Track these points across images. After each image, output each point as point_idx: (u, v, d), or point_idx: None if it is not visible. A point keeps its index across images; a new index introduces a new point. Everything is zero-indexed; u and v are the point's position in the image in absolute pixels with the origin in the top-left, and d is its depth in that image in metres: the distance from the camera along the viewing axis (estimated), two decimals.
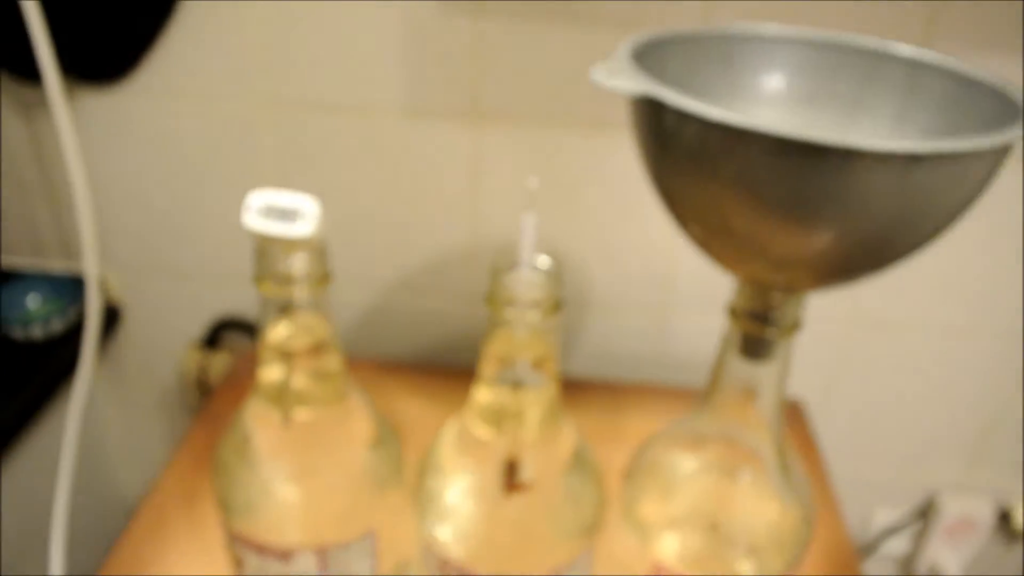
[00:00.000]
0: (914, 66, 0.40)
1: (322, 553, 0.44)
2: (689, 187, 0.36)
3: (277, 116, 0.73)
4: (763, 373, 0.42)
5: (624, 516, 0.48)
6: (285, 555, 0.44)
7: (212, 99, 0.72)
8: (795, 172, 0.31)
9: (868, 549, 0.98)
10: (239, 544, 0.45)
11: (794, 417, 0.80)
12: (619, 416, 0.76)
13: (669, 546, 0.45)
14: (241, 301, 0.84)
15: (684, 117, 0.32)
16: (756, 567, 0.44)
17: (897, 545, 0.99)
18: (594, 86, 0.32)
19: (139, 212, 0.79)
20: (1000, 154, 0.32)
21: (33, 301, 0.78)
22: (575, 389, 0.80)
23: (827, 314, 0.81)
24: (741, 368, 0.43)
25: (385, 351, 0.86)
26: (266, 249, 0.40)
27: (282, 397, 0.43)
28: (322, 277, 0.41)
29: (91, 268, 0.72)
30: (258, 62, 0.70)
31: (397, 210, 0.77)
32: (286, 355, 0.42)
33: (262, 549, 0.44)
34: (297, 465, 0.44)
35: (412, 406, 0.74)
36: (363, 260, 0.80)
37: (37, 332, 0.76)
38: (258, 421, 0.44)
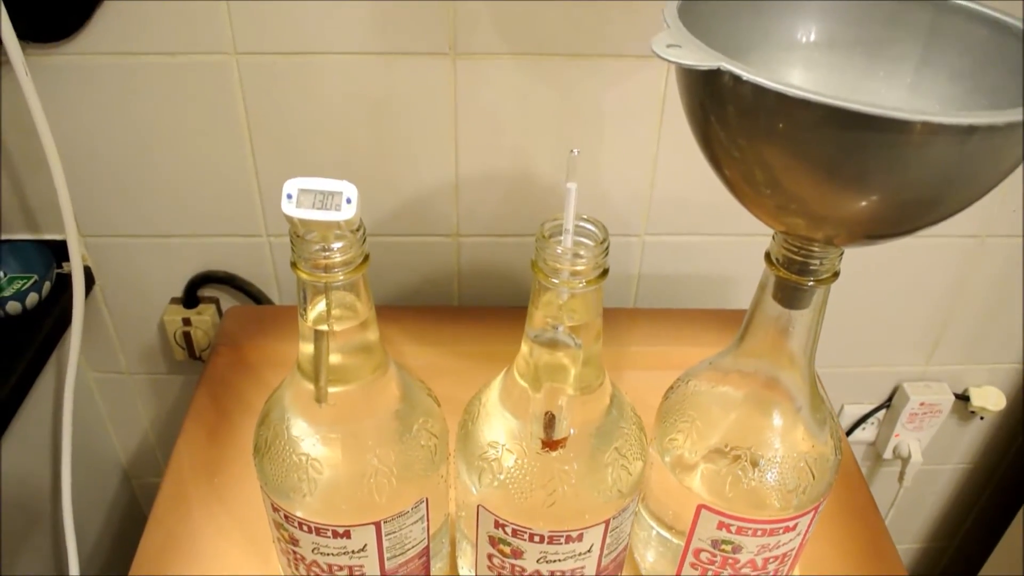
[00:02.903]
0: (939, 7, 0.41)
1: (379, 525, 0.45)
2: (740, 150, 0.36)
3: (243, 65, 0.69)
4: (797, 316, 0.44)
5: (661, 454, 0.50)
6: (344, 533, 0.44)
7: (171, 51, 0.68)
8: (854, 142, 0.32)
9: None
10: (292, 526, 0.45)
11: None
12: (611, 343, 0.77)
13: (709, 481, 0.47)
14: (215, 255, 0.82)
15: (743, 88, 0.32)
16: (795, 496, 0.46)
17: (864, 434, 1.04)
18: (658, 59, 0.32)
19: (101, 174, 0.75)
20: None
21: (5, 277, 0.74)
22: None
23: None
24: (776, 309, 0.44)
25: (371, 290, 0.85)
26: (304, 235, 0.39)
27: (324, 376, 0.43)
28: (361, 259, 0.40)
29: (72, 235, 0.69)
30: (217, 10, 0.66)
31: (376, 152, 0.75)
32: (327, 335, 0.42)
33: (319, 530, 0.44)
34: (349, 445, 0.44)
35: (419, 353, 0.74)
36: None
37: (14, 308, 0.73)
38: (302, 403, 0.44)
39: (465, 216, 0.80)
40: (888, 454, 1.04)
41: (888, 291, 0.91)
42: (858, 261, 0.87)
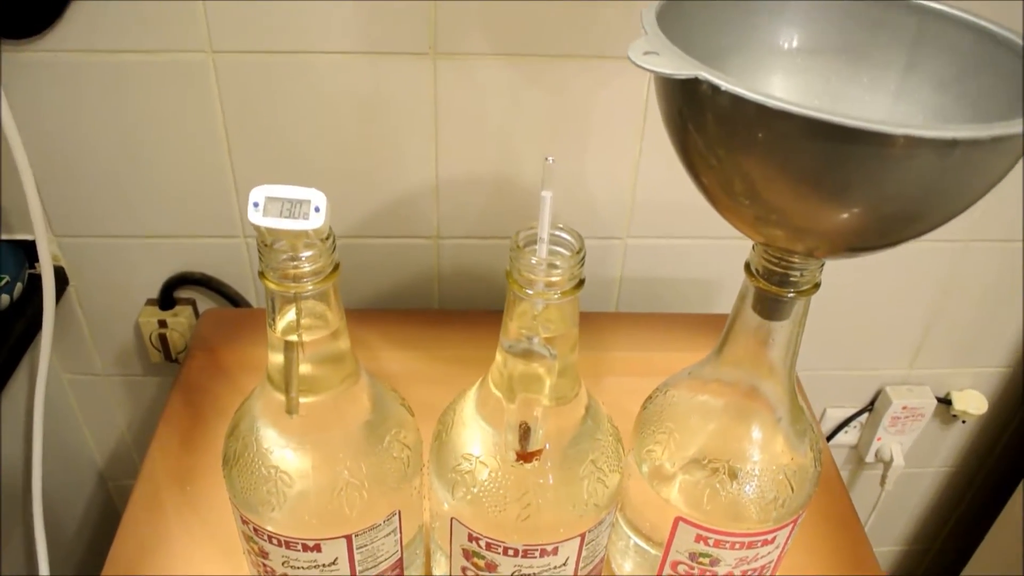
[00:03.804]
0: (924, 14, 0.40)
1: (350, 539, 0.44)
2: (719, 159, 0.35)
3: (219, 64, 0.68)
4: (777, 326, 0.43)
5: (639, 464, 0.49)
6: (315, 546, 0.43)
7: (145, 49, 0.67)
8: (835, 154, 0.31)
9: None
10: (261, 539, 0.44)
11: None
12: (592, 349, 0.77)
13: (687, 493, 0.47)
14: (192, 256, 0.81)
15: (722, 97, 0.31)
16: (774, 509, 0.46)
17: (846, 437, 1.04)
18: (635, 66, 0.31)
19: (75, 174, 0.74)
20: None
21: None
22: None
23: None
24: (756, 320, 0.43)
25: (349, 295, 0.84)
26: (272, 244, 0.38)
27: (294, 387, 0.42)
28: (331, 269, 0.39)
29: (41, 234, 0.68)
30: (193, 7, 0.65)
31: (354, 154, 0.74)
32: (297, 346, 0.41)
33: (289, 543, 0.43)
34: (319, 457, 0.43)
35: (398, 358, 0.73)
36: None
37: None
38: (271, 414, 0.43)
39: (446, 218, 0.79)
40: (870, 457, 1.04)
41: (871, 295, 0.90)
42: (841, 265, 0.87)
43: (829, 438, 1.04)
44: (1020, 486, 1.00)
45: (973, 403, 1.00)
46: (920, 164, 0.30)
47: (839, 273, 0.87)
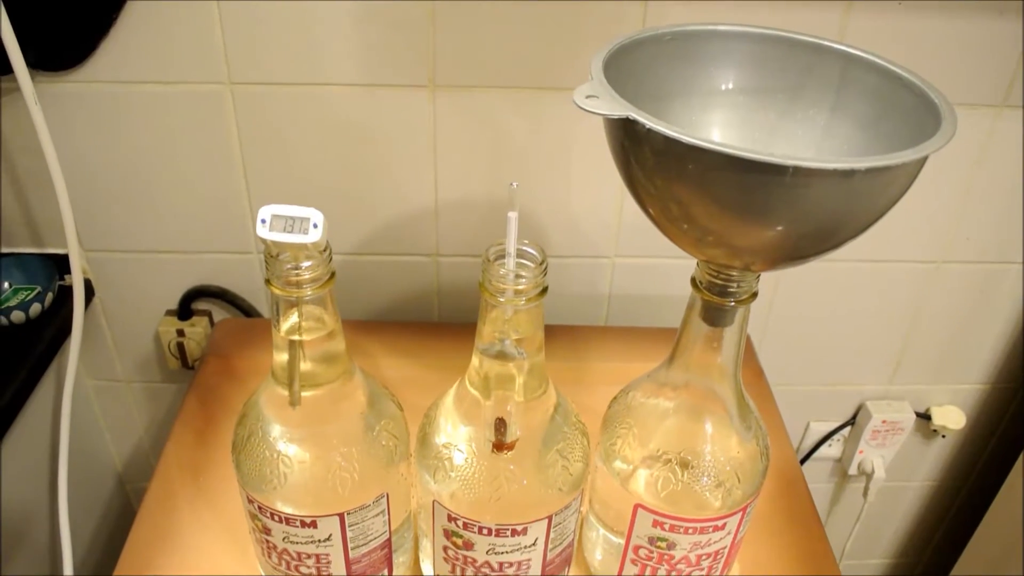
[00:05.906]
0: (847, 60, 0.46)
1: (343, 517, 0.49)
2: (657, 188, 0.41)
3: (236, 94, 0.75)
4: (723, 332, 0.48)
5: (604, 459, 0.54)
6: (311, 523, 0.49)
7: (169, 81, 0.74)
8: (745, 183, 0.36)
9: (806, 455, 1.08)
10: (265, 516, 0.50)
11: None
12: (581, 360, 0.82)
13: (644, 483, 0.52)
14: (209, 270, 0.87)
15: (654, 134, 0.37)
16: (722, 497, 0.51)
17: (830, 450, 1.09)
18: (577, 109, 0.37)
19: (103, 193, 0.80)
20: (922, 161, 0.37)
21: (10, 287, 0.79)
22: None
23: None
24: (704, 328, 0.49)
25: (355, 308, 0.90)
26: (277, 255, 0.44)
27: (296, 381, 0.47)
28: (328, 277, 0.45)
29: (74, 249, 0.75)
30: (213, 43, 0.72)
31: (360, 177, 0.80)
32: (298, 344, 0.46)
33: (289, 520, 0.49)
34: (315, 443, 0.48)
35: (399, 365, 0.79)
36: (330, 224, 0.83)
37: (18, 317, 0.78)
38: (275, 405, 0.49)
39: (444, 237, 0.85)
40: (853, 470, 1.08)
41: (851, 313, 0.95)
42: (822, 284, 0.92)
43: (813, 451, 1.08)
44: (995, 501, 1.03)
45: (952, 418, 1.04)
46: (816, 190, 0.36)
47: (820, 292, 0.93)
